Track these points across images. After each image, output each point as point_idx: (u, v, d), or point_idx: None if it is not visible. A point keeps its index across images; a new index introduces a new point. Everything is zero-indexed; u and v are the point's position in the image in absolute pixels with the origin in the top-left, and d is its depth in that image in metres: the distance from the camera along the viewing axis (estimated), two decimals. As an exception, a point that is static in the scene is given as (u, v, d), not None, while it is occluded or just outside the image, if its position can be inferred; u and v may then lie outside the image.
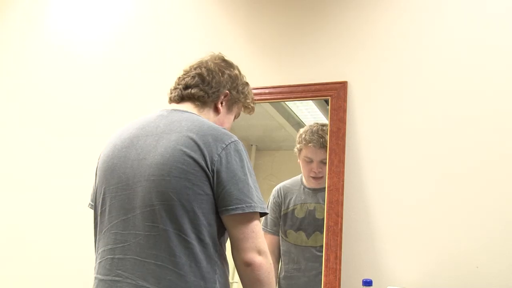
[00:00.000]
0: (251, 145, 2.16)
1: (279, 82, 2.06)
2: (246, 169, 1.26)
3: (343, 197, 1.84)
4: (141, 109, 2.30)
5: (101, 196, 1.32)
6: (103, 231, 1.30)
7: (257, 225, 1.25)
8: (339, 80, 1.98)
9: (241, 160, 1.26)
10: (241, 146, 1.28)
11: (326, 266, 1.79)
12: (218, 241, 1.25)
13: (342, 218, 1.82)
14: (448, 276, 1.73)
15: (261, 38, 2.17)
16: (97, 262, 1.30)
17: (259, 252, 1.23)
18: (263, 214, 1.27)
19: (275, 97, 2.05)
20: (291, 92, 2.02)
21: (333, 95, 1.95)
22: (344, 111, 1.92)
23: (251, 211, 1.22)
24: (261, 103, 2.09)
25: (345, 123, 1.91)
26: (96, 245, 1.34)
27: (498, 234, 1.70)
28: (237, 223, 1.23)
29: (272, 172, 2.06)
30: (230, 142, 1.26)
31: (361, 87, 1.96)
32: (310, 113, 2.08)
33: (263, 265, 1.23)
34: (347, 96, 1.95)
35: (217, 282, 1.23)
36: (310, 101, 2.03)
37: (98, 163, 1.40)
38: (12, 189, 2.54)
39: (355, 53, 1.99)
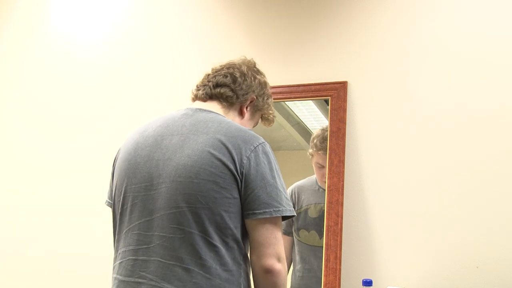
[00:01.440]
0: (251, 145, 2.16)
1: (279, 82, 2.06)
2: (275, 172, 1.24)
3: (343, 197, 1.84)
4: (141, 109, 2.31)
5: (122, 195, 1.29)
6: (124, 231, 1.27)
7: (280, 231, 1.24)
8: (339, 80, 1.97)
9: (269, 162, 1.24)
10: (269, 148, 1.27)
11: (326, 266, 1.79)
12: (242, 244, 1.24)
13: (342, 218, 1.82)
14: (448, 276, 1.73)
15: (261, 38, 2.17)
16: (117, 262, 1.27)
17: (279, 259, 1.22)
18: (289, 217, 1.26)
19: (275, 97, 2.04)
20: (291, 92, 2.02)
21: (333, 95, 1.95)
22: (344, 111, 1.92)
23: (279, 215, 1.21)
24: (261, 103, 2.09)
25: (345, 123, 1.91)
26: (116, 245, 1.31)
27: (498, 234, 1.70)
28: (261, 227, 1.21)
29: (272, 172, 2.06)
30: (258, 144, 1.24)
31: (361, 87, 1.96)
32: (310, 113, 2.08)
33: (282, 272, 1.22)
34: (347, 96, 1.95)
35: (242, 285, 1.22)
36: (310, 101, 2.03)
37: (116, 160, 1.36)
38: (12, 188, 2.54)
39: (355, 53, 1.99)
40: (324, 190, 1.91)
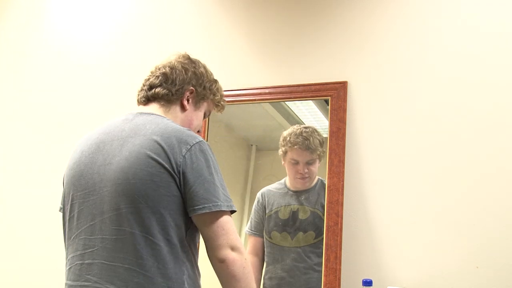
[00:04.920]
0: (251, 145, 2.16)
1: (279, 82, 2.06)
2: (212, 169, 1.27)
3: (343, 197, 1.84)
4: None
5: (69, 203, 1.33)
6: (72, 238, 1.31)
7: (227, 223, 1.25)
8: (339, 80, 1.98)
9: (207, 160, 1.27)
10: (207, 146, 1.29)
11: (326, 266, 1.79)
12: (186, 242, 1.26)
13: (342, 218, 1.82)
14: (448, 276, 1.73)
15: (261, 38, 2.17)
16: (67, 268, 1.31)
17: (232, 248, 1.24)
18: (234, 211, 1.29)
19: (275, 97, 2.05)
20: (291, 92, 2.02)
21: (333, 95, 1.96)
22: (344, 111, 1.92)
23: (218, 209, 1.24)
24: (261, 103, 2.09)
25: (345, 123, 1.91)
26: (66, 251, 1.35)
27: (498, 234, 1.70)
28: (206, 222, 1.24)
29: (272, 172, 2.06)
30: (194, 143, 1.27)
31: (361, 87, 1.96)
32: (310, 113, 2.08)
33: (236, 261, 1.23)
34: (347, 96, 1.95)
35: (186, 283, 1.23)
36: (310, 101, 2.03)
37: (66, 169, 1.40)
38: (12, 190, 2.54)
39: (355, 53, 1.99)
40: (293, 191, 1.95)
